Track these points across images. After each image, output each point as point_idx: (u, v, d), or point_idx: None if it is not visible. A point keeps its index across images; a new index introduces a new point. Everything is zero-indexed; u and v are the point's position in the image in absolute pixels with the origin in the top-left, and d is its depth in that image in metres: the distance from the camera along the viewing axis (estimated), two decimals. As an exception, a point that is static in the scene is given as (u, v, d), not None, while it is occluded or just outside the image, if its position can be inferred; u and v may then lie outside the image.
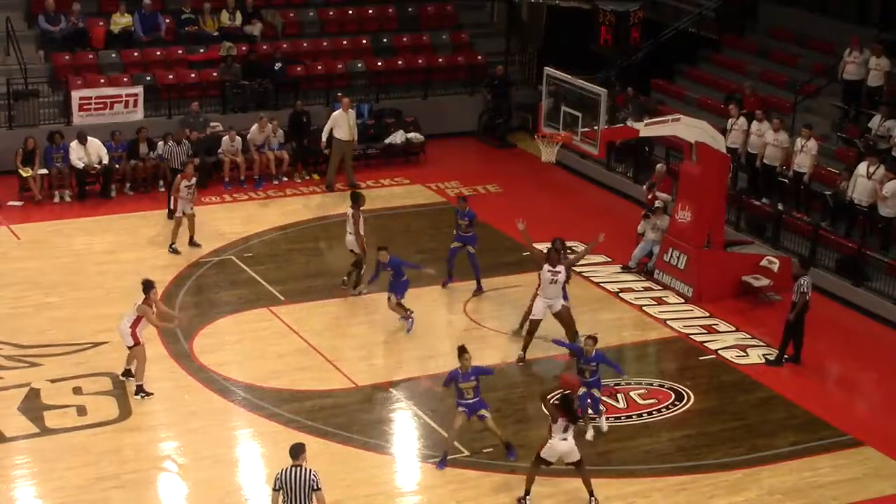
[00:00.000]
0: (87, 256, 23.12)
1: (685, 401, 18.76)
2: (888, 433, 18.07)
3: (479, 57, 31.48)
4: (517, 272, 22.76)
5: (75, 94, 27.03)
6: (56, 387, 18.28)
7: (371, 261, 21.12)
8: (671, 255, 22.62)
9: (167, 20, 29.49)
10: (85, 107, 27.10)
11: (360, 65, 30.46)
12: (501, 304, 21.59)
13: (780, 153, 24.45)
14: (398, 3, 32.12)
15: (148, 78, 28.31)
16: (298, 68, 29.64)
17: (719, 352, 20.38)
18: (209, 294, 21.78)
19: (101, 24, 28.92)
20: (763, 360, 20.08)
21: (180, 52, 29.22)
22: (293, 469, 13.50)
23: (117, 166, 26.14)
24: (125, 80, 27.97)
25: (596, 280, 22.92)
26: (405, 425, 17.89)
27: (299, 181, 27.52)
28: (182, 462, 16.78)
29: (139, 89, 27.65)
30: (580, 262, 23.36)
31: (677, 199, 22.91)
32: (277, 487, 13.50)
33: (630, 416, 18.25)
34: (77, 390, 18.22)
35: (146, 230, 24.23)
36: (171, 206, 23.50)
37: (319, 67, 29.88)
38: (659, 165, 24.39)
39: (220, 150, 27.02)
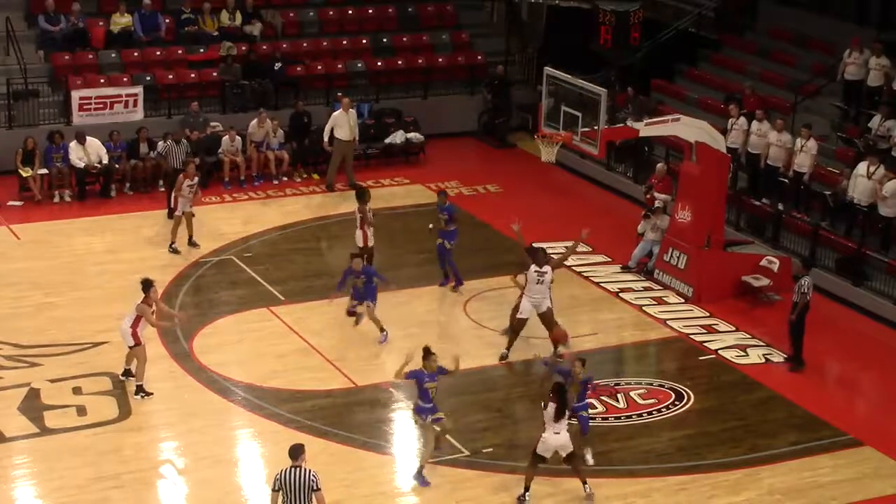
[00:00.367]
0: (87, 256, 23.13)
1: (685, 401, 18.77)
2: (888, 433, 18.07)
3: (479, 57, 31.48)
4: (517, 272, 22.74)
5: (75, 94, 27.03)
6: (56, 387, 18.28)
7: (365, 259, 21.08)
8: (671, 255, 22.62)
9: (167, 20, 29.49)
10: (85, 107, 27.10)
11: (359, 65, 30.46)
12: (501, 303, 21.57)
13: (784, 154, 24.43)
14: (398, 3, 32.11)
15: (148, 78, 28.31)
16: (298, 68, 29.64)
17: (719, 352, 20.38)
18: (209, 294, 21.78)
19: (100, 24, 28.92)
20: (763, 360, 20.10)
21: (180, 52, 29.22)
22: (293, 469, 13.50)
23: (117, 166, 26.15)
24: (125, 80, 27.97)
25: (596, 280, 22.92)
26: (405, 425, 17.89)
27: (298, 181, 27.52)
28: (182, 462, 16.78)
29: (139, 89, 27.65)
30: (581, 263, 23.46)
31: (677, 199, 22.91)
32: (277, 488, 13.50)
33: (630, 416, 18.25)
34: (77, 390, 18.23)
35: (146, 230, 24.23)
36: (172, 206, 23.48)
37: (319, 67, 29.88)
38: (659, 165, 24.39)
39: (220, 150, 27.03)
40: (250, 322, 20.69)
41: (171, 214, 23.79)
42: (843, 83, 26.11)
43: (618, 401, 18.62)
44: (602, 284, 22.75)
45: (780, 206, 23.98)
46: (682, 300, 22.16)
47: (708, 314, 21.70)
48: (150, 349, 18.32)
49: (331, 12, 31.59)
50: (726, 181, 23.12)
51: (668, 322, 21.38)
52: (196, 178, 23.12)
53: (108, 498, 15.76)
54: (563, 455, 15.70)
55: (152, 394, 18.12)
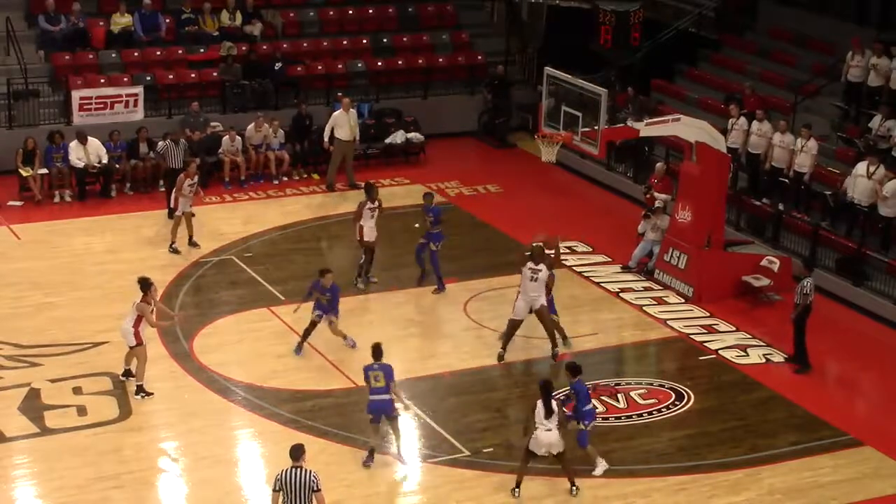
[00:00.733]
0: (87, 256, 23.13)
1: (685, 401, 18.76)
2: (888, 433, 18.07)
3: (479, 57, 31.48)
4: (517, 272, 22.72)
5: (75, 94, 27.03)
6: (56, 387, 18.28)
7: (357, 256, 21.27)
8: (671, 255, 22.62)
9: (167, 20, 29.49)
10: (85, 107, 27.11)
11: (360, 65, 30.46)
12: (501, 303, 21.56)
13: (787, 155, 24.41)
14: (398, 3, 32.12)
15: (148, 78, 28.31)
16: (298, 68, 29.64)
17: (719, 352, 20.38)
18: (209, 294, 21.78)
19: (101, 24, 28.93)
20: (764, 360, 20.10)
21: (180, 52, 29.22)
22: (293, 470, 13.50)
23: (117, 166, 26.15)
24: (125, 80, 27.97)
25: (596, 280, 22.91)
26: (405, 425, 17.87)
27: (297, 179, 27.52)
28: (182, 462, 16.79)
29: (139, 89, 27.65)
30: (581, 263, 23.48)
31: (677, 199, 22.90)
32: (277, 488, 13.50)
33: (630, 416, 18.25)
34: (77, 390, 18.23)
35: (146, 230, 24.23)
36: (172, 206, 23.47)
37: (319, 67, 29.88)
38: (658, 164, 24.39)
39: (220, 150, 27.03)
40: (250, 322, 20.69)
41: (171, 214, 23.79)
42: (846, 84, 26.10)
43: (618, 401, 18.62)
44: (602, 284, 22.74)
45: (781, 206, 23.97)
46: (683, 300, 22.16)
47: (708, 314, 21.69)
48: (150, 349, 18.31)
49: (331, 12, 31.60)
50: (726, 181, 23.12)
51: (668, 322, 21.38)
52: (196, 178, 23.12)
53: (108, 498, 15.76)
54: (554, 453, 15.71)
55: (152, 394, 18.12)
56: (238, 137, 27.01)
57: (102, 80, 27.75)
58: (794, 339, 19.78)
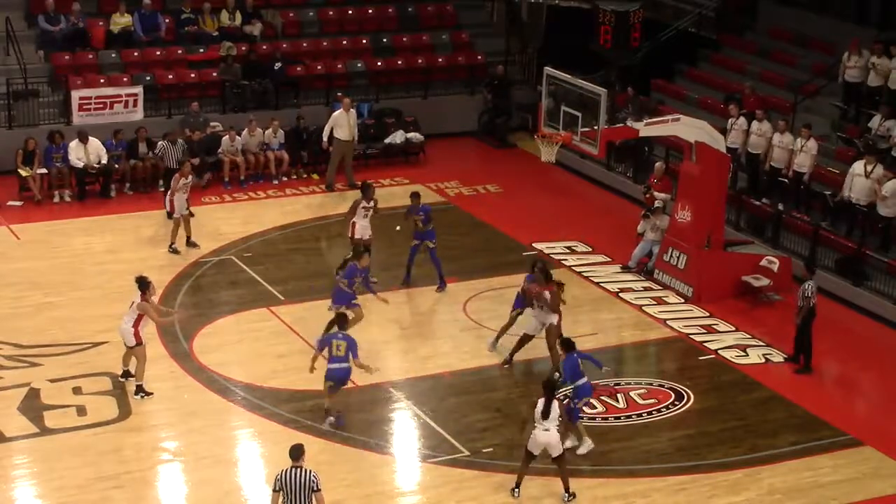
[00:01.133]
0: (86, 256, 23.13)
1: (685, 401, 18.76)
2: (888, 433, 18.07)
3: (479, 57, 31.48)
4: (517, 272, 22.74)
5: (75, 94, 27.03)
6: (56, 387, 18.28)
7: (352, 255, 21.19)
8: (671, 255, 22.62)
9: (167, 20, 29.49)
10: (85, 107, 27.10)
11: (359, 65, 30.46)
12: (501, 303, 21.54)
13: (786, 155, 24.42)
14: (398, 3, 32.12)
15: (148, 78, 28.31)
16: (298, 68, 29.64)
17: (719, 352, 20.38)
18: (209, 294, 21.78)
19: (100, 24, 28.93)
20: (763, 360, 20.11)
21: (180, 51, 29.22)
22: (293, 470, 13.50)
23: (116, 166, 26.14)
24: (125, 80, 27.97)
25: (596, 280, 22.91)
26: (405, 425, 17.90)
27: (295, 178, 27.53)
28: (182, 462, 16.79)
29: (139, 89, 27.65)
30: (581, 263, 23.50)
31: (677, 199, 22.91)
32: (277, 488, 13.50)
33: (630, 416, 18.25)
34: (77, 390, 18.23)
35: (146, 230, 24.23)
36: (168, 208, 23.38)
37: (319, 67, 29.88)
38: (657, 164, 24.40)
39: (220, 150, 27.04)
40: (250, 322, 20.69)
41: (170, 215, 23.77)
42: (844, 84, 26.10)
43: (618, 401, 18.62)
44: (602, 284, 22.74)
45: (780, 206, 23.98)
46: (682, 300, 22.16)
47: (708, 314, 21.69)
48: (150, 349, 18.31)
49: (331, 12, 31.59)
50: (726, 181, 23.12)
51: (668, 322, 21.38)
52: (191, 177, 23.08)
53: (108, 498, 15.76)
54: (552, 455, 15.71)
55: (152, 394, 18.12)
56: (238, 137, 27.02)
57: (102, 80, 27.75)
58: (796, 341, 19.76)
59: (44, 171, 25.62)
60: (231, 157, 26.94)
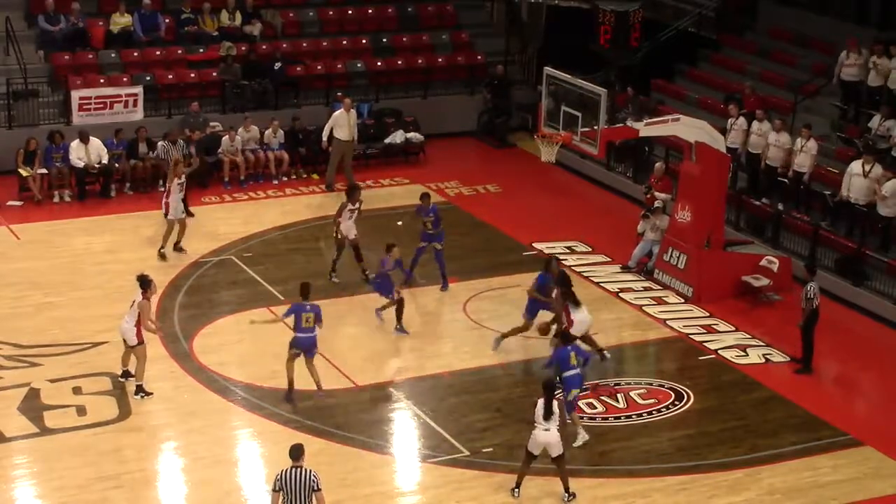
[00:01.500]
0: (86, 256, 23.12)
1: (685, 401, 18.76)
2: (888, 433, 18.07)
3: (479, 57, 31.48)
4: (517, 272, 22.78)
5: (75, 94, 27.03)
6: (56, 387, 18.28)
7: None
8: (671, 255, 22.62)
9: (167, 20, 29.49)
10: (85, 107, 27.10)
11: (359, 65, 30.46)
12: (501, 303, 21.59)
13: (782, 154, 24.44)
14: (398, 3, 32.12)
15: (148, 78, 28.31)
16: (298, 68, 29.64)
17: (719, 352, 20.38)
18: (209, 294, 21.78)
19: (100, 23, 28.93)
20: (763, 360, 20.11)
21: (180, 51, 29.22)
22: (293, 470, 13.50)
23: (117, 165, 26.14)
24: (125, 79, 27.97)
25: (596, 280, 22.91)
26: (405, 425, 17.90)
27: (295, 179, 27.52)
28: (182, 462, 16.79)
29: (139, 89, 27.65)
30: (581, 263, 23.51)
31: (677, 199, 22.91)
32: (277, 488, 13.49)
33: (630, 416, 18.25)
34: (77, 390, 18.23)
35: (146, 230, 24.22)
36: (164, 211, 23.04)
37: (319, 67, 29.88)
38: (657, 164, 24.41)
39: (219, 150, 27.04)
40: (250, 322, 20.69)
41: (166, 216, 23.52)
42: (840, 84, 26.08)
43: (618, 401, 18.62)
44: (602, 284, 22.74)
45: (780, 206, 23.98)
46: (682, 300, 22.16)
47: (708, 314, 21.70)
48: (150, 349, 18.31)
49: (331, 12, 31.60)
50: (726, 181, 23.12)
51: (667, 322, 21.38)
52: (184, 177, 23.01)
53: (108, 498, 15.76)
54: (552, 455, 15.71)
55: (152, 394, 18.12)
56: (238, 137, 27.02)
57: (102, 80, 27.75)
58: (803, 344, 19.72)
59: (44, 171, 25.62)
60: (231, 157, 26.95)
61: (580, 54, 27.94)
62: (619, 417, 18.19)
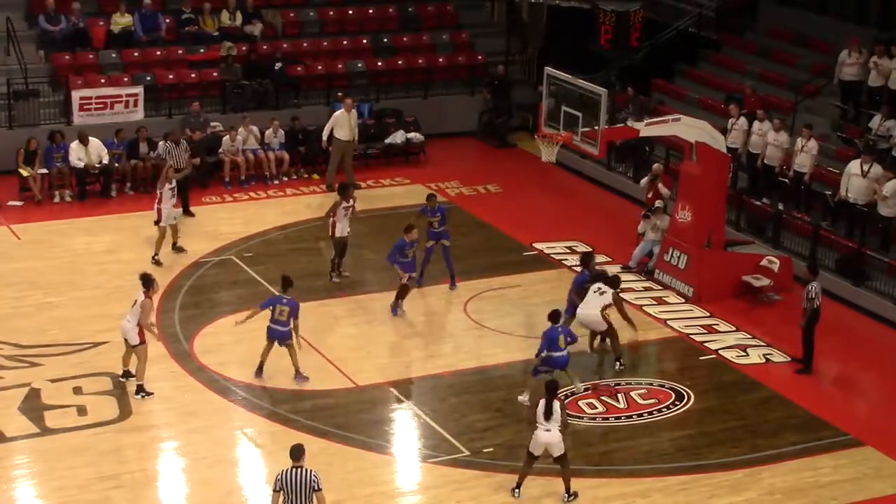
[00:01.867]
0: (86, 256, 23.12)
1: (685, 401, 18.76)
2: (889, 433, 18.07)
3: (480, 57, 31.48)
4: (517, 272, 22.78)
5: (76, 94, 27.03)
6: (56, 387, 18.28)
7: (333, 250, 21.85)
8: (671, 255, 22.62)
9: (167, 20, 29.49)
10: (85, 107, 27.10)
11: (360, 65, 30.46)
12: (502, 304, 21.59)
13: (780, 153, 24.44)
14: (398, 3, 32.12)
15: (148, 78, 28.31)
16: (299, 68, 29.64)
17: (719, 352, 20.37)
18: (210, 294, 21.78)
19: (101, 24, 28.92)
20: (764, 360, 20.10)
21: (180, 52, 29.22)
22: (293, 470, 13.50)
23: (117, 165, 26.14)
24: (125, 79, 27.97)
25: (596, 280, 22.88)
26: (405, 425, 17.90)
27: (295, 179, 27.52)
28: (182, 462, 16.79)
29: (139, 89, 27.65)
30: (580, 264, 23.50)
31: (678, 199, 22.90)
32: (278, 488, 13.49)
33: (630, 416, 18.24)
34: (77, 390, 18.23)
35: (146, 230, 24.17)
36: (156, 217, 22.86)
37: (320, 67, 29.88)
38: (656, 165, 24.40)
39: (220, 150, 27.04)
40: (251, 322, 20.55)
41: (157, 223, 23.38)
42: (840, 83, 26.08)
43: (618, 401, 18.62)
44: (602, 284, 22.71)
45: (781, 206, 23.97)
46: (683, 300, 22.16)
47: (708, 314, 21.69)
48: (150, 349, 18.30)
49: (331, 12, 31.59)
50: (727, 181, 23.12)
51: (668, 322, 21.38)
52: (175, 182, 22.94)
53: (109, 498, 15.76)
54: (553, 455, 15.71)
55: (152, 393, 18.12)
56: (238, 137, 27.01)
57: (103, 80, 27.75)
58: (804, 344, 19.71)
59: (44, 171, 25.61)
60: (231, 157, 26.94)
61: (581, 54, 27.94)
62: (619, 417, 18.18)
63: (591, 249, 22.06)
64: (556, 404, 15.60)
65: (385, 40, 31.40)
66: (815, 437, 17.80)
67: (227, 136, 27.01)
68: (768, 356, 20.24)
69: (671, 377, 19.56)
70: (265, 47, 29.75)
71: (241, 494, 16.14)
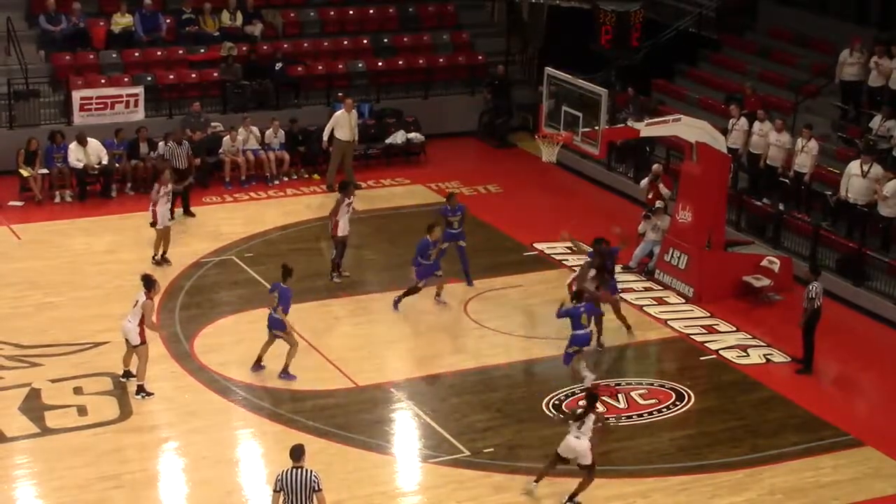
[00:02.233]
0: (87, 256, 23.13)
1: (686, 401, 18.76)
2: (889, 433, 18.06)
3: (480, 57, 31.48)
4: (518, 272, 22.78)
5: (76, 94, 27.03)
6: (56, 387, 18.28)
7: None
8: (672, 256, 22.62)
9: (168, 20, 29.49)
10: (86, 107, 27.11)
11: (360, 65, 30.46)
12: (502, 304, 21.59)
13: (782, 154, 24.44)
14: (398, 3, 32.12)
15: (149, 78, 28.31)
16: (299, 68, 29.64)
17: (720, 352, 20.37)
18: (210, 294, 21.78)
19: (101, 24, 28.93)
20: (764, 361, 20.10)
21: (181, 52, 29.22)
22: (294, 470, 13.49)
23: (117, 165, 26.14)
24: (126, 80, 27.97)
25: (596, 280, 22.88)
26: (405, 425, 17.90)
27: (296, 179, 27.53)
28: (183, 462, 16.79)
29: (140, 89, 27.65)
30: (581, 263, 23.49)
31: (678, 199, 22.90)
32: (278, 489, 13.49)
33: (631, 417, 18.24)
34: (78, 390, 18.23)
35: (146, 230, 24.11)
36: (151, 219, 22.71)
37: (320, 67, 29.88)
38: (656, 165, 24.40)
39: (220, 150, 27.04)
40: (251, 322, 20.65)
41: (153, 224, 23.33)
42: (841, 84, 26.08)
43: (618, 401, 18.62)
44: (603, 284, 22.71)
45: (781, 207, 23.97)
46: (683, 300, 22.16)
47: (708, 314, 21.69)
48: (151, 349, 18.31)
49: (332, 12, 31.60)
50: (727, 181, 23.12)
51: (668, 322, 21.38)
52: (170, 185, 22.91)
53: (109, 498, 15.76)
54: (580, 463, 15.68)
55: (153, 394, 18.12)
56: (239, 138, 27.02)
57: (103, 81, 27.75)
58: (804, 344, 19.71)
59: (45, 171, 25.62)
60: (232, 157, 26.95)
61: (581, 54, 27.93)
62: (619, 418, 18.18)
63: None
64: (591, 417, 15.58)
65: (385, 40, 31.41)
66: (815, 437, 17.80)
67: (228, 137, 27.01)
68: (769, 356, 20.24)
69: (671, 377, 19.56)
70: (265, 47, 29.75)
71: (242, 494, 16.14)
